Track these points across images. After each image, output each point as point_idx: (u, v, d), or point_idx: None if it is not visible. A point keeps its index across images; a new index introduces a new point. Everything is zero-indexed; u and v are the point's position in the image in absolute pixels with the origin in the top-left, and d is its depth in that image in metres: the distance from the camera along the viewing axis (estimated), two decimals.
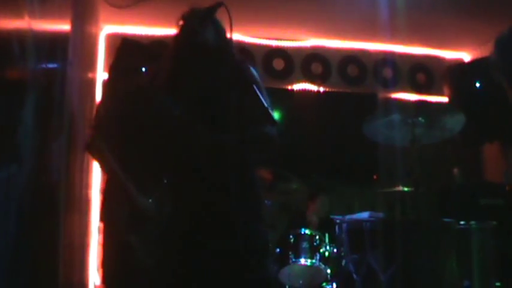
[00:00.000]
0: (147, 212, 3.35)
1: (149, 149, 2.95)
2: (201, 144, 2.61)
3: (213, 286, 2.60)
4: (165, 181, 3.06)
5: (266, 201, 5.29)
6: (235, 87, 2.67)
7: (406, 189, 4.72)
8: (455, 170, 6.29)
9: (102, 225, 3.62)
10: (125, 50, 3.70)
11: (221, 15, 2.69)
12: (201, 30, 2.64)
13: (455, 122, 4.41)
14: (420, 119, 4.06)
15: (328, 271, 5.02)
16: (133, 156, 3.26)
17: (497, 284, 4.60)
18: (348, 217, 4.37)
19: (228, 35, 2.69)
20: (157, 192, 3.33)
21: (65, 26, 3.58)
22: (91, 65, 5.72)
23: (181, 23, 2.71)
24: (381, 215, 4.34)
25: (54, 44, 3.12)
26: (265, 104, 2.55)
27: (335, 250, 4.96)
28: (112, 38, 6.46)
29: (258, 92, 2.57)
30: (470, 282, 4.43)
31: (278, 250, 5.18)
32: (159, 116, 2.68)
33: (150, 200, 3.36)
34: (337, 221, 4.37)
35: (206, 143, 2.61)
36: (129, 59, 3.62)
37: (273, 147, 2.76)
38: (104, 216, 3.54)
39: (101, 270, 3.68)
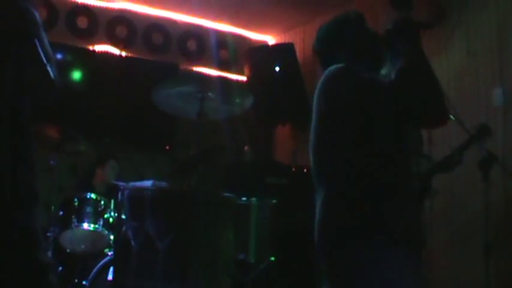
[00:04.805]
0: None
1: None
2: None
3: None
4: None
5: (51, 161, 5.11)
6: (12, 34, 2.50)
7: (194, 161, 4.78)
8: (246, 148, 6.48)
9: None
10: None
11: None
12: None
13: (246, 101, 4.52)
14: (210, 93, 4.10)
15: (111, 237, 4.96)
16: None
17: (272, 258, 4.86)
18: (131, 184, 4.35)
19: None
20: None
21: None
22: None
23: None
24: (164, 184, 4.36)
25: None
26: (44, 61, 2.43)
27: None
28: None
29: (37, 45, 2.44)
30: (245, 255, 4.62)
31: (61, 213, 5.03)
32: None
33: None
34: (121, 187, 4.34)
35: None
36: None
37: (46, 89, 2.59)
38: None
39: None
